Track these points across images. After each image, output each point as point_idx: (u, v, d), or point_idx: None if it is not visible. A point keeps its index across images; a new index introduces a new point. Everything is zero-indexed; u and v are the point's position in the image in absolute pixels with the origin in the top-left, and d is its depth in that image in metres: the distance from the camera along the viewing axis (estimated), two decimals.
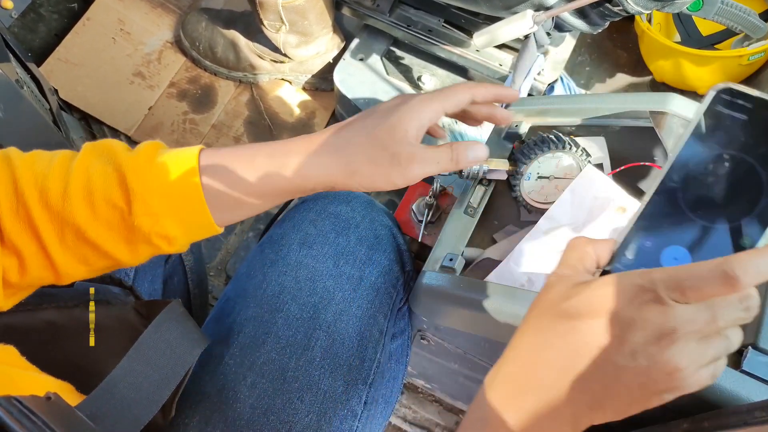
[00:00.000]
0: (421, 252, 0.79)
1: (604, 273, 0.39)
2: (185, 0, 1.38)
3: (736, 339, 0.34)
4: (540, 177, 0.63)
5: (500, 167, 0.65)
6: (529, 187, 0.64)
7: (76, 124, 1.25)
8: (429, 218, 0.77)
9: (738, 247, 0.37)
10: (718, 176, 0.38)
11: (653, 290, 0.33)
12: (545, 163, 0.64)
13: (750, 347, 0.51)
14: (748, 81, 1.18)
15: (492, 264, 0.70)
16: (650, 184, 0.39)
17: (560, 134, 0.64)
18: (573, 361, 0.35)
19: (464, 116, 0.58)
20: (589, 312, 0.35)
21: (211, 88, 1.31)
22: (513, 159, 0.66)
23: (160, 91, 1.30)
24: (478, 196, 0.67)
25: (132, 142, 1.26)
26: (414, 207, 0.79)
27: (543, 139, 0.64)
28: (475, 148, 0.54)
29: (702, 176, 0.38)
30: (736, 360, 0.52)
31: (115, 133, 1.26)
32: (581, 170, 0.61)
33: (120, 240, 0.49)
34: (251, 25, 1.20)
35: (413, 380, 1.05)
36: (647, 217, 0.39)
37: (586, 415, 0.35)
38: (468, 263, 0.69)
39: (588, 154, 0.64)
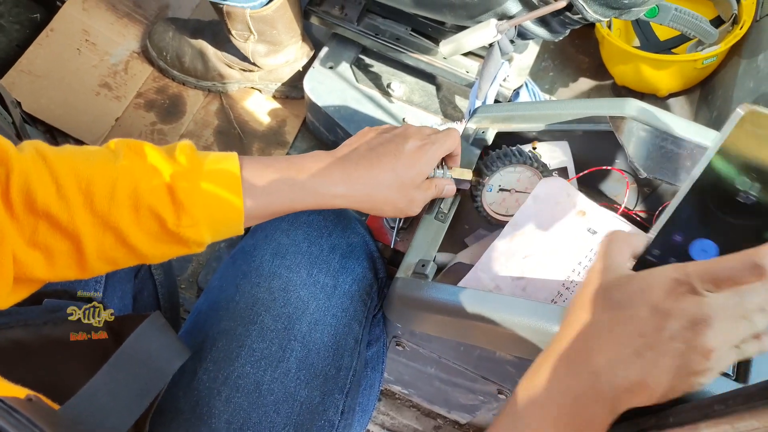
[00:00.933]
0: (394, 258, 0.80)
1: (640, 261, 0.43)
2: (151, 10, 1.37)
3: (761, 323, 0.37)
4: (501, 189, 0.65)
5: (464, 177, 0.67)
6: (490, 199, 0.65)
7: (41, 138, 1.23)
8: (401, 225, 0.78)
9: (762, 239, 0.39)
10: (743, 182, 0.40)
11: (688, 282, 0.37)
12: (507, 176, 0.65)
13: None
14: (703, 83, 1.22)
15: (464, 268, 0.71)
16: (683, 186, 0.42)
17: (522, 149, 0.66)
18: (618, 349, 0.38)
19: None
20: (631, 304, 0.39)
21: (179, 97, 1.30)
22: (477, 170, 0.67)
23: (126, 101, 1.28)
24: (449, 202, 0.68)
25: None
26: None
27: (506, 153, 0.65)
28: (451, 186, 0.66)
29: (730, 182, 0.40)
30: None
31: (81, 144, 1.24)
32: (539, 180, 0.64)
33: (157, 243, 0.50)
34: (219, 35, 1.20)
35: (390, 386, 1.06)
36: (677, 215, 0.42)
37: (625, 399, 0.39)
38: (440, 268, 0.70)
39: (548, 169, 0.66)
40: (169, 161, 0.50)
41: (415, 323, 0.67)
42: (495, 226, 0.71)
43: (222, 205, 0.52)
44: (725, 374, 0.51)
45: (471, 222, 0.78)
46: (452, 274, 0.71)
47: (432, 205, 0.68)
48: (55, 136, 1.24)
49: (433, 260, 0.66)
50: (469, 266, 0.72)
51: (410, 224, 0.80)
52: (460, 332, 0.62)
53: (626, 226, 0.70)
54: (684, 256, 0.42)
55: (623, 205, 0.70)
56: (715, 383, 0.50)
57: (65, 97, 1.25)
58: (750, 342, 0.38)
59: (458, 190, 0.69)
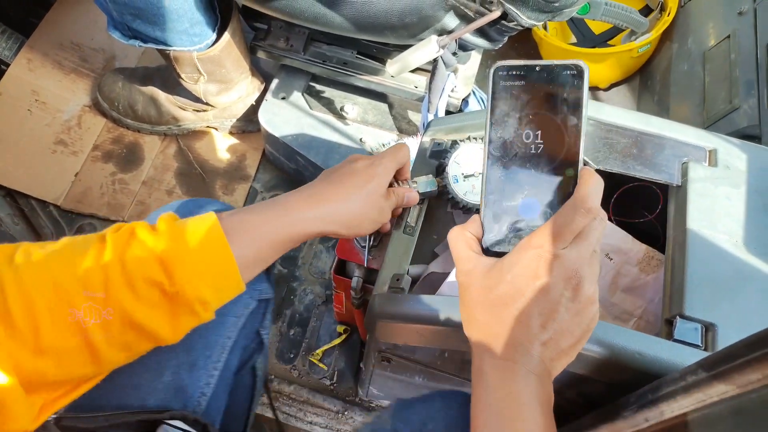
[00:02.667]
0: (369, 276, 0.81)
1: (486, 240, 0.48)
2: (98, 63, 1.37)
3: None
4: (466, 176, 0.66)
5: (429, 187, 0.69)
6: (462, 189, 0.67)
7: (1, 202, 1.21)
8: (371, 243, 0.79)
9: (566, 179, 0.46)
10: (526, 134, 0.47)
11: (543, 251, 0.42)
12: (463, 162, 0.67)
13: (678, 317, 0.56)
14: (641, 70, 1.28)
15: (437, 277, 0.73)
16: (479, 163, 0.47)
17: (450, 125, 0.68)
18: (532, 331, 0.43)
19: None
20: (513, 297, 0.44)
21: (136, 145, 1.30)
22: (437, 173, 0.70)
23: (84, 155, 1.27)
24: (414, 215, 0.70)
25: (62, 211, 1.23)
26: None
27: (451, 144, 0.67)
28: (411, 196, 0.68)
29: (515, 140, 0.47)
30: (667, 331, 0.57)
31: (44, 204, 1.23)
32: None
33: (161, 313, 0.50)
34: (169, 79, 1.21)
35: (380, 402, 1.07)
36: (490, 189, 0.48)
37: (557, 367, 0.45)
38: (414, 280, 0.72)
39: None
40: (152, 233, 0.51)
41: (397, 336, 0.68)
42: None
43: (212, 257, 0.52)
44: (694, 345, 0.54)
45: (439, 231, 0.79)
46: (427, 284, 0.73)
47: (399, 220, 0.70)
48: (15, 198, 1.23)
49: (407, 273, 0.67)
50: (443, 274, 0.74)
51: (380, 241, 0.82)
52: (442, 339, 0.63)
53: None
54: (518, 220, 0.47)
55: None
56: (686, 355, 0.53)
57: (22, 159, 1.23)
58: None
59: (422, 200, 0.71)
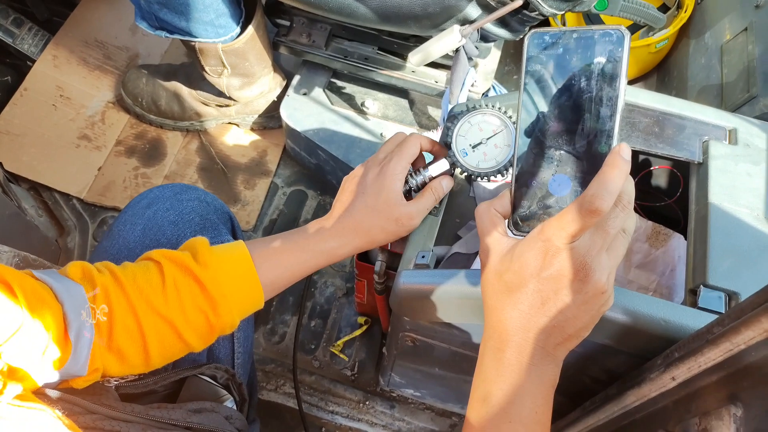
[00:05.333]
0: (393, 262, 0.83)
1: (515, 218, 0.48)
2: (122, 60, 1.41)
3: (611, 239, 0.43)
4: (474, 146, 0.64)
5: (441, 168, 0.68)
6: (473, 161, 0.64)
7: (26, 194, 1.24)
8: None
9: (600, 155, 0.43)
10: (561, 107, 0.45)
11: (552, 244, 0.43)
12: (467, 133, 0.64)
13: (702, 286, 0.57)
14: (658, 67, 1.30)
15: (461, 258, 0.74)
16: (511, 139, 0.46)
17: (463, 107, 0.67)
18: (533, 319, 0.45)
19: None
20: (521, 283, 0.45)
21: (158, 140, 1.33)
22: (445, 149, 0.68)
23: (107, 150, 1.30)
24: None
25: (85, 204, 1.25)
26: None
27: (450, 116, 0.67)
28: (445, 181, 0.67)
29: (548, 113, 0.45)
30: (692, 300, 0.58)
31: (67, 197, 1.25)
32: (503, 119, 0.63)
33: (202, 335, 0.58)
34: (192, 75, 1.24)
35: (402, 391, 1.08)
36: (521, 164, 0.47)
37: (561, 350, 0.46)
38: (438, 261, 0.73)
39: (497, 106, 0.64)
40: (198, 265, 0.58)
41: (422, 313, 0.70)
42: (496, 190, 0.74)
43: (246, 290, 0.60)
44: (718, 312, 0.55)
45: (462, 216, 0.81)
46: (451, 264, 0.74)
47: None
48: (39, 192, 1.26)
49: (431, 251, 0.69)
50: (466, 255, 0.75)
51: None
52: (469, 313, 0.65)
53: None
54: (547, 196, 0.46)
55: None
56: (712, 302, 0.55)
57: (46, 153, 1.26)
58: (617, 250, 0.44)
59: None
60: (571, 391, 0.73)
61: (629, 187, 0.43)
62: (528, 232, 0.46)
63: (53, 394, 0.50)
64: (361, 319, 1.16)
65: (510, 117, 0.61)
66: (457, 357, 0.80)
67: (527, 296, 0.45)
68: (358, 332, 1.14)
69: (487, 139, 0.63)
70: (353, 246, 0.65)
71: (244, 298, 0.60)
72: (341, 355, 1.13)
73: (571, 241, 0.42)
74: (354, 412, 1.09)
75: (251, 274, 0.60)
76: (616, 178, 0.41)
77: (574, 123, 0.44)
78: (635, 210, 0.75)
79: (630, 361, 0.60)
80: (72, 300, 0.51)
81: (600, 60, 0.43)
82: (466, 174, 0.65)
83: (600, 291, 0.43)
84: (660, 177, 0.79)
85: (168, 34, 1.02)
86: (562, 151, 0.45)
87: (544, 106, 0.45)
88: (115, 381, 0.58)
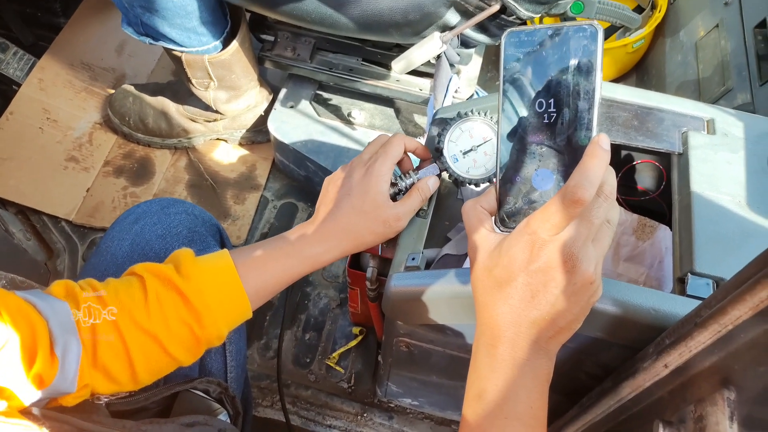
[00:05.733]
0: (384, 268, 0.83)
1: (501, 213, 0.48)
2: (108, 81, 1.41)
3: (596, 229, 0.44)
4: (464, 153, 0.65)
5: (431, 172, 0.68)
6: (463, 167, 0.65)
7: (13, 218, 1.23)
8: None
9: (580, 148, 0.44)
10: (539, 103, 0.45)
11: (538, 238, 0.43)
12: (458, 139, 0.65)
13: (689, 274, 0.57)
14: (636, 67, 1.32)
15: (452, 259, 0.75)
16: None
17: (453, 115, 0.67)
18: (524, 313, 0.45)
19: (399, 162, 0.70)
20: (510, 277, 0.45)
21: (147, 159, 1.33)
22: (435, 156, 0.69)
23: (95, 171, 1.30)
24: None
25: (74, 226, 1.25)
26: None
27: (440, 122, 0.68)
28: (431, 181, 0.67)
29: (528, 109, 0.46)
30: (681, 288, 0.58)
31: (55, 220, 1.25)
32: (492, 128, 0.64)
33: (189, 348, 0.58)
34: (179, 91, 1.24)
35: (400, 401, 1.07)
36: (504, 161, 0.47)
37: (554, 343, 0.46)
38: (429, 264, 0.73)
39: (488, 115, 0.65)
40: (180, 277, 0.57)
41: (415, 316, 0.70)
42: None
43: (230, 299, 0.59)
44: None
45: (451, 218, 0.82)
46: (441, 266, 0.75)
47: None
48: (27, 215, 1.25)
49: (422, 254, 0.69)
50: (456, 256, 0.76)
51: None
52: (461, 313, 0.65)
53: None
54: (531, 192, 0.47)
55: None
56: (700, 289, 0.55)
57: (33, 176, 1.26)
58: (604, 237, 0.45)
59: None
60: (568, 389, 0.73)
61: (611, 177, 0.44)
62: (514, 228, 0.46)
63: (40, 412, 0.49)
64: (356, 330, 1.15)
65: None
66: (453, 362, 0.79)
67: (517, 290, 0.45)
68: (353, 343, 1.14)
69: (477, 146, 0.64)
70: (340, 250, 0.64)
71: (230, 308, 0.59)
72: (337, 368, 1.13)
73: (556, 232, 0.43)
74: (352, 426, 1.09)
75: (235, 283, 0.59)
76: (597, 167, 0.42)
77: (554, 118, 0.45)
78: (620, 205, 0.76)
79: (623, 354, 0.60)
80: (57, 317, 0.50)
81: (575, 54, 0.44)
82: (455, 179, 0.65)
83: (588, 281, 0.43)
84: (643, 172, 0.80)
85: (152, 41, 1.03)
86: (543, 146, 0.46)
87: (523, 103, 0.46)
88: (106, 398, 0.57)
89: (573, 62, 0.44)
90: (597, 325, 0.57)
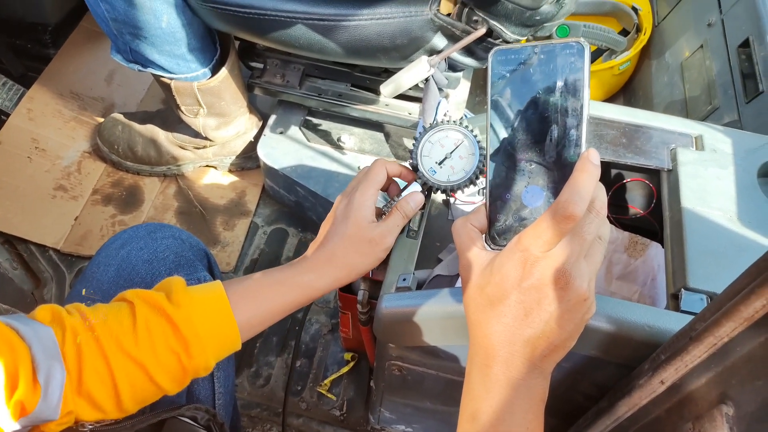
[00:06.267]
0: (375, 291, 0.82)
1: (491, 232, 0.47)
2: (98, 110, 1.41)
3: (588, 246, 0.43)
4: (439, 163, 0.65)
5: (414, 188, 0.68)
6: (443, 176, 0.65)
7: (0, 248, 1.21)
8: None
9: (569, 164, 0.44)
10: (528, 120, 0.45)
11: (530, 255, 0.42)
12: (430, 152, 0.65)
13: (683, 289, 0.57)
14: (623, 88, 1.33)
15: (443, 280, 0.74)
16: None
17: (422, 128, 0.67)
18: (518, 331, 0.44)
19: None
20: (503, 295, 0.44)
21: (135, 187, 1.32)
22: (413, 170, 0.68)
23: (84, 200, 1.29)
24: (417, 219, 0.72)
25: (61, 254, 1.23)
26: None
27: (415, 138, 0.67)
28: (413, 199, 0.66)
29: (516, 127, 0.45)
30: (675, 305, 0.58)
31: (43, 249, 1.23)
32: (461, 131, 0.63)
33: (175, 378, 0.56)
34: (169, 119, 1.24)
35: (393, 428, 1.04)
36: (494, 179, 0.47)
37: (548, 362, 0.45)
38: (420, 285, 0.73)
39: (451, 120, 0.65)
40: (172, 306, 0.56)
41: (406, 338, 0.69)
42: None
43: (220, 330, 0.58)
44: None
45: (442, 239, 0.81)
46: (433, 287, 0.74)
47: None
48: (14, 244, 1.23)
49: (413, 274, 0.68)
50: (448, 277, 0.75)
51: None
52: (453, 334, 0.64)
53: None
54: (521, 209, 0.46)
55: None
56: (694, 305, 0.54)
57: (21, 205, 1.25)
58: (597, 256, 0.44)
59: (424, 205, 0.72)
60: (563, 411, 0.71)
61: (601, 193, 0.43)
62: (506, 245, 0.45)
63: None
64: (347, 356, 1.13)
65: (467, 127, 0.62)
66: (446, 387, 0.78)
67: (510, 308, 0.44)
68: (345, 369, 1.12)
69: (451, 152, 0.64)
70: (332, 277, 0.63)
71: (219, 338, 0.58)
72: (329, 395, 1.10)
73: (548, 249, 0.42)
74: None
75: (226, 313, 0.58)
76: (587, 182, 0.41)
77: (543, 135, 0.45)
78: (611, 223, 0.76)
79: (619, 373, 0.59)
80: (41, 342, 0.49)
81: (562, 71, 0.44)
82: (440, 190, 0.65)
83: (582, 298, 0.43)
84: (633, 190, 0.80)
85: (141, 68, 1.03)
86: (533, 163, 0.45)
87: (512, 121, 0.46)
88: (90, 426, 0.56)
89: (560, 79, 0.44)
90: (591, 343, 0.57)
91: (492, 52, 0.46)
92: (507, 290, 0.44)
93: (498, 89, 0.46)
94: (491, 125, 0.46)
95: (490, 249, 0.49)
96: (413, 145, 0.66)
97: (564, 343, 0.44)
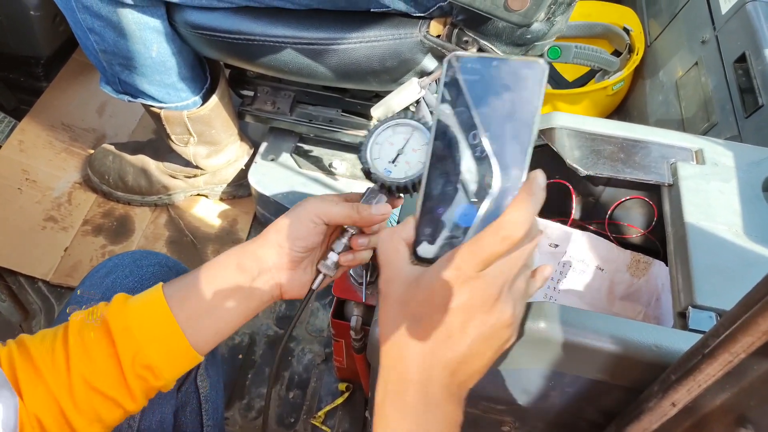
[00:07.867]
0: (368, 317, 0.79)
1: (416, 246, 0.43)
2: (89, 141, 1.40)
3: (529, 271, 0.43)
4: (392, 161, 0.59)
5: (371, 200, 0.61)
6: (400, 174, 0.59)
7: None
8: (369, 279, 0.78)
9: (508, 186, 0.41)
10: (473, 134, 0.42)
11: (462, 274, 0.39)
12: (380, 153, 0.60)
13: (690, 307, 0.54)
14: (618, 109, 1.32)
15: None
16: (425, 161, 0.43)
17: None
18: (438, 354, 0.41)
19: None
20: (426, 314, 0.41)
21: (126, 217, 1.30)
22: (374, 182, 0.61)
23: (74, 231, 1.27)
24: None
25: (51, 286, 1.20)
26: (351, 271, 0.80)
27: (360, 143, 0.61)
28: (379, 207, 0.60)
29: (461, 139, 0.42)
30: (682, 323, 0.55)
31: (32, 280, 1.20)
32: (408, 123, 0.58)
33: (117, 381, 0.53)
34: (159, 149, 1.23)
35: None
36: (428, 191, 0.43)
37: (464, 387, 0.42)
38: None
39: (407, 113, 0.60)
40: (103, 308, 0.54)
41: None
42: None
43: (154, 319, 0.54)
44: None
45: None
46: None
47: None
48: (3, 276, 1.21)
49: None
50: None
51: (377, 277, 0.80)
52: None
53: (580, 235, 0.73)
54: (452, 226, 0.42)
55: (572, 216, 0.73)
56: (703, 323, 0.51)
57: (10, 237, 1.22)
58: (531, 283, 0.43)
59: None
60: None
61: (536, 220, 0.41)
62: (432, 261, 0.42)
63: None
64: (342, 386, 1.09)
65: (413, 116, 0.58)
66: None
67: (432, 329, 0.40)
68: (339, 400, 1.08)
69: (402, 147, 0.59)
70: (274, 241, 0.57)
71: (155, 331, 0.54)
72: (323, 427, 1.06)
73: (482, 269, 0.39)
74: None
75: (164, 313, 0.54)
76: (532, 205, 0.39)
77: (486, 152, 0.42)
78: (611, 242, 0.73)
79: (627, 397, 0.56)
80: None
81: (517, 89, 0.41)
82: (400, 188, 0.59)
83: (506, 324, 0.40)
84: (633, 209, 0.78)
85: (131, 99, 1.02)
86: (473, 181, 0.42)
87: (456, 132, 0.42)
88: None
89: (514, 97, 0.41)
90: (596, 366, 0.54)
91: (449, 56, 0.42)
92: (432, 309, 0.40)
93: (448, 96, 0.42)
94: (435, 134, 0.42)
95: (416, 264, 0.45)
96: (359, 151, 0.61)
97: (481, 369, 0.42)
